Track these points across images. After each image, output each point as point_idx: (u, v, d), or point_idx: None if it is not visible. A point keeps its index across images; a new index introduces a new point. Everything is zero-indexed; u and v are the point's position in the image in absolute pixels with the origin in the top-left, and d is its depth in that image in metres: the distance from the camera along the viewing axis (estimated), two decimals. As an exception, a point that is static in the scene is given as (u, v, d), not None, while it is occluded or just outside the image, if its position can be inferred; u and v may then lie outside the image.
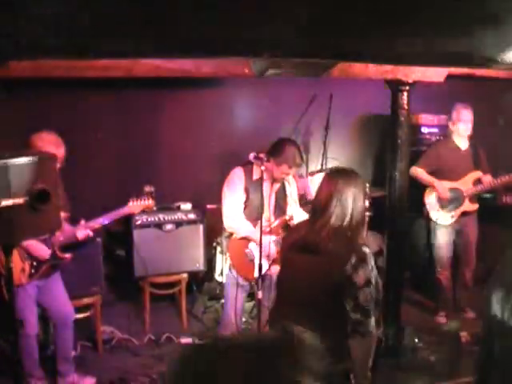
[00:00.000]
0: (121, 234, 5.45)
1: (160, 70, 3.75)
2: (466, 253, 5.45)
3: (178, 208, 5.51)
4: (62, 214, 4.06)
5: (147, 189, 5.19)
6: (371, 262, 2.62)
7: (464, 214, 5.33)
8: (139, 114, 5.75)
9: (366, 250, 2.64)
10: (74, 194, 4.40)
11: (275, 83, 5.83)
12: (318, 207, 2.76)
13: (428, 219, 5.41)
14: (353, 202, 2.68)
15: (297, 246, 2.82)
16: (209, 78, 5.15)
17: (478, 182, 5.31)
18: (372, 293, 2.58)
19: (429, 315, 5.55)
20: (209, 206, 5.50)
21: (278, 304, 2.99)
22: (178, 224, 5.40)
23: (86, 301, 4.65)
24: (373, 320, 2.61)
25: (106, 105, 5.59)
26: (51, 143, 3.87)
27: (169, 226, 5.36)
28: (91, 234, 4.23)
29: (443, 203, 5.29)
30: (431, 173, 5.31)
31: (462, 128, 5.27)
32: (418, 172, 5.28)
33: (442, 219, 5.32)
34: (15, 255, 3.88)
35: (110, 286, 5.48)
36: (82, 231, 4.19)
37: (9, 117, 5.19)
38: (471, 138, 5.38)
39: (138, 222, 5.24)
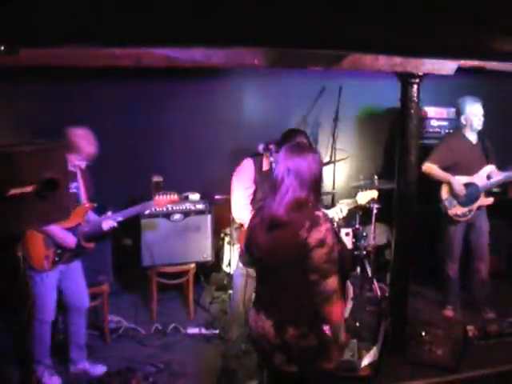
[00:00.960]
0: (129, 224, 5.47)
1: (170, 59, 3.73)
2: (479, 245, 5.39)
3: (186, 198, 5.51)
4: (88, 205, 4.14)
5: (155, 179, 5.21)
6: (326, 224, 2.66)
7: (477, 207, 5.29)
8: (148, 104, 5.75)
9: (319, 213, 2.71)
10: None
11: (285, 75, 5.82)
12: (276, 183, 2.81)
13: (442, 214, 5.33)
14: (308, 173, 2.74)
15: (265, 224, 2.86)
16: (219, 69, 5.13)
17: (490, 175, 5.28)
18: (328, 254, 2.61)
19: (436, 309, 5.53)
20: (217, 197, 5.50)
21: (257, 285, 3.04)
22: (186, 214, 5.42)
23: (93, 290, 4.66)
24: (332, 281, 2.62)
25: (114, 95, 5.59)
26: (83, 139, 4.07)
27: (177, 216, 5.37)
28: (116, 225, 4.30)
29: (460, 199, 5.23)
30: (445, 168, 5.25)
31: (477, 122, 5.24)
32: (432, 168, 5.21)
33: (460, 215, 5.27)
34: (39, 242, 3.97)
35: (118, 276, 5.51)
36: (108, 222, 4.24)
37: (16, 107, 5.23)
38: (478, 131, 5.35)
39: (146, 212, 5.24)
